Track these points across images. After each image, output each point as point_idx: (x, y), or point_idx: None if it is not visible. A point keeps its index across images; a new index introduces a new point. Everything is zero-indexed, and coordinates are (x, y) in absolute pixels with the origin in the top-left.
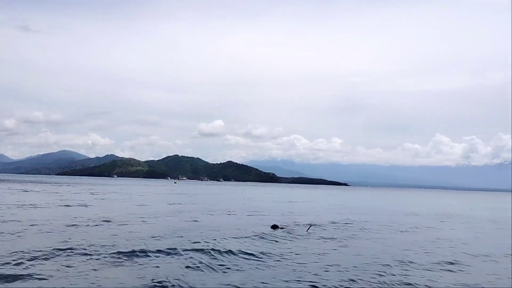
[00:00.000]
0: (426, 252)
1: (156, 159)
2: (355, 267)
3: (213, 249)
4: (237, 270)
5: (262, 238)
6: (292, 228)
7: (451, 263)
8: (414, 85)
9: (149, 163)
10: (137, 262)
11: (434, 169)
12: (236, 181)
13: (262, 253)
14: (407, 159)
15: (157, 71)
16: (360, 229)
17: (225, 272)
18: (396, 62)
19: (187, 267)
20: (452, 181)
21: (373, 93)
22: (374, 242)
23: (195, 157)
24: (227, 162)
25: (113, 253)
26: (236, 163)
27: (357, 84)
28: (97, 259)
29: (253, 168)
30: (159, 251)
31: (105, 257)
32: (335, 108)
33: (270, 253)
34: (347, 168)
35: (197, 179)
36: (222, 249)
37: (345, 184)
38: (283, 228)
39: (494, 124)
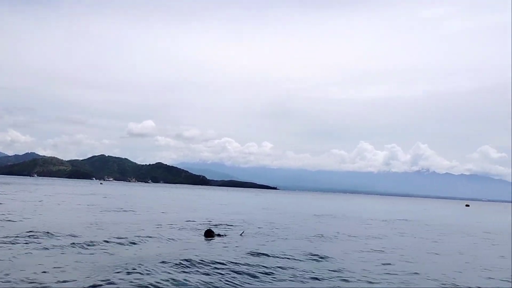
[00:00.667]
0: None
1: (81, 158)
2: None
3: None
4: None
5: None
6: (226, 233)
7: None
8: (341, 93)
9: (72, 162)
10: None
11: (358, 175)
12: (165, 183)
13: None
14: (334, 165)
15: (85, 69)
16: (286, 231)
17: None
18: (324, 70)
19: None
20: (374, 186)
21: (303, 99)
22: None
23: (123, 157)
24: (157, 163)
25: None
26: (166, 164)
27: (288, 90)
28: None
29: (183, 170)
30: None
31: None
32: (266, 113)
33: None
34: (276, 172)
35: (124, 180)
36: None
37: (275, 188)
38: (220, 235)
39: (413, 133)
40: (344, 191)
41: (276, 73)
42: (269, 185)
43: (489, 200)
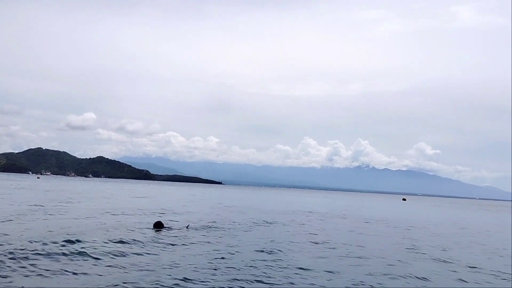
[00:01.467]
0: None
1: (16, 151)
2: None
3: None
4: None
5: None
6: (172, 227)
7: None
8: (284, 90)
9: (7, 155)
10: None
11: (302, 170)
12: (106, 177)
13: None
14: (278, 160)
15: (20, 57)
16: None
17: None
18: (267, 67)
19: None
20: (317, 181)
21: (248, 95)
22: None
23: (62, 151)
24: (98, 157)
25: None
26: (108, 158)
27: (233, 86)
28: None
29: (125, 164)
30: None
31: None
32: (212, 108)
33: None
34: (222, 166)
35: (63, 175)
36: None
37: (220, 183)
38: (168, 228)
39: (354, 130)
40: (289, 186)
41: (221, 68)
42: (214, 180)
43: (423, 195)
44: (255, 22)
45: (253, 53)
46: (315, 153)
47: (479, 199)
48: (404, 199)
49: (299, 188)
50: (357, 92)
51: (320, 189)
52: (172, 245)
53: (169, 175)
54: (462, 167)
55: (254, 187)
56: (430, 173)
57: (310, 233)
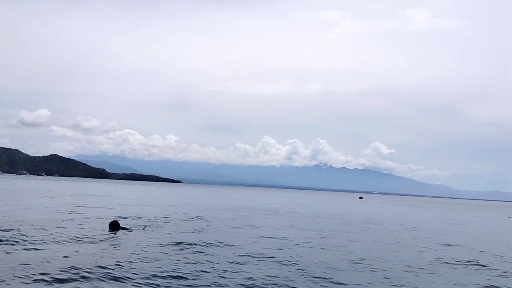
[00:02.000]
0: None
1: None
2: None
3: None
4: None
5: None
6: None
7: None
8: (245, 89)
9: None
10: None
11: (262, 169)
12: (61, 176)
13: None
14: (238, 159)
15: None
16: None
17: None
18: (228, 65)
19: None
20: (276, 180)
21: (207, 92)
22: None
23: (13, 148)
24: (51, 155)
25: None
26: (62, 156)
27: (193, 83)
28: None
29: (81, 162)
30: None
31: None
32: (171, 105)
33: None
34: (181, 165)
35: (14, 173)
36: None
37: (178, 181)
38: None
39: (313, 129)
40: (248, 185)
41: (181, 66)
42: (173, 178)
43: (378, 193)
44: (215, 21)
45: (214, 51)
46: (274, 151)
47: (431, 197)
48: (361, 197)
49: (259, 186)
50: (316, 92)
51: (279, 188)
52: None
53: (127, 174)
54: (416, 166)
55: (213, 186)
56: (385, 172)
57: (234, 227)
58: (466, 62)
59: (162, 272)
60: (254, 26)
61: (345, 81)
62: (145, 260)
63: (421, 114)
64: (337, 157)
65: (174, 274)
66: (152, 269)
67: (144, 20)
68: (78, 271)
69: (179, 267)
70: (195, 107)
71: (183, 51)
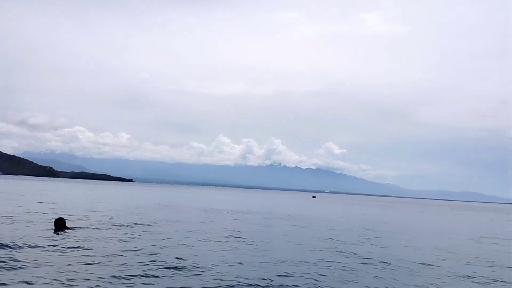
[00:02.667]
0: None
1: None
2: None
3: None
4: None
5: None
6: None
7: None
8: (200, 87)
9: None
10: None
11: (216, 168)
12: (5, 174)
13: None
14: (193, 158)
15: None
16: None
17: None
18: (183, 63)
19: None
20: (231, 179)
21: (161, 90)
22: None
23: None
24: None
25: None
26: (7, 154)
27: (146, 81)
28: None
29: (27, 160)
30: None
31: None
32: (123, 102)
33: None
34: (133, 164)
35: None
36: None
37: (130, 180)
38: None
39: (267, 129)
40: (202, 184)
41: (135, 62)
42: (124, 177)
43: (331, 192)
44: (171, 19)
45: (169, 49)
46: (229, 151)
47: (380, 196)
48: (314, 197)
49: (213, 186)
50: (271, 92)
51: (233, 187)
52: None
53: (76, 172)
54: (366, 166)
55: (166, 185)
56: (337, 172)
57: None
58: (415, 66)
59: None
60: (211, 25)
61: (300, 82)
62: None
63: (372, 116)
64: (291, 157)
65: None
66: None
67: (97, 16)
68: None
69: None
70: (149, 105)
71: (137, 48)
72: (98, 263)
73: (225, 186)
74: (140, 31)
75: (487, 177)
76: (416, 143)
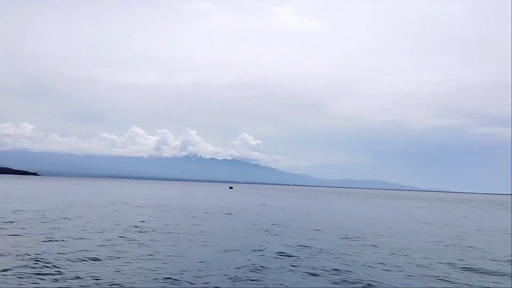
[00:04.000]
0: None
1: None
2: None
3: None
4: None
5: None
6: None
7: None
8: (111, 76)
9: None
10: None
11: (130, 160)
12: None
13: None
14: (104, 149)
15: None
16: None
17: None
18: (92, 50)
19: None
20: (145, 171)
21: (67, 78)
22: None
23: None
24: None
25: None
26: None
27: (51, 67)
28: None
29: None
30: None
31: None
32: (26, 91)
33: None
34: (38, 156)
35: None
36: None
37: (35, 174)
38: None
39: (183, 120)
40: (114, 176)
41: (37, 47)
42: (28, 170)
43: (246, 182)
44: (80, 4)
45: (78, 36)
46: (143, 142)
47: (293, 185)
48: (231, 187)
49: (126, 178)
50: (187, 82)
51: (147, 179)
52: None
53: None
54: (280, 157)
55: (75, 178)
56: (253, 162)
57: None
58: (327, 60)
59: None
60: (123, 12)
61: (215, 73)
62: None
63: (286, 108)
64: (206, 148)
65: None
66: None
67: None
68: None
69: None
70: (55, 94)
71: (41, 33)
72: None
73: (138, 179)
74: (46, 16)
75: (390, 167)
76: (327, 134)
